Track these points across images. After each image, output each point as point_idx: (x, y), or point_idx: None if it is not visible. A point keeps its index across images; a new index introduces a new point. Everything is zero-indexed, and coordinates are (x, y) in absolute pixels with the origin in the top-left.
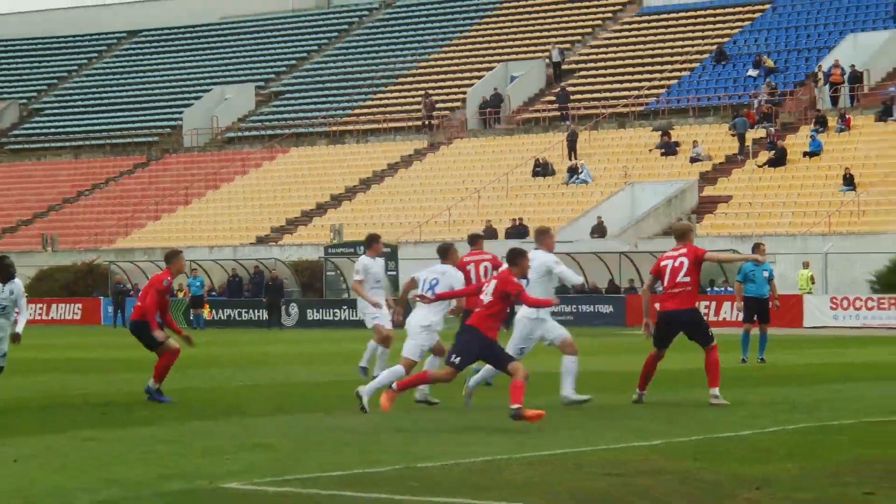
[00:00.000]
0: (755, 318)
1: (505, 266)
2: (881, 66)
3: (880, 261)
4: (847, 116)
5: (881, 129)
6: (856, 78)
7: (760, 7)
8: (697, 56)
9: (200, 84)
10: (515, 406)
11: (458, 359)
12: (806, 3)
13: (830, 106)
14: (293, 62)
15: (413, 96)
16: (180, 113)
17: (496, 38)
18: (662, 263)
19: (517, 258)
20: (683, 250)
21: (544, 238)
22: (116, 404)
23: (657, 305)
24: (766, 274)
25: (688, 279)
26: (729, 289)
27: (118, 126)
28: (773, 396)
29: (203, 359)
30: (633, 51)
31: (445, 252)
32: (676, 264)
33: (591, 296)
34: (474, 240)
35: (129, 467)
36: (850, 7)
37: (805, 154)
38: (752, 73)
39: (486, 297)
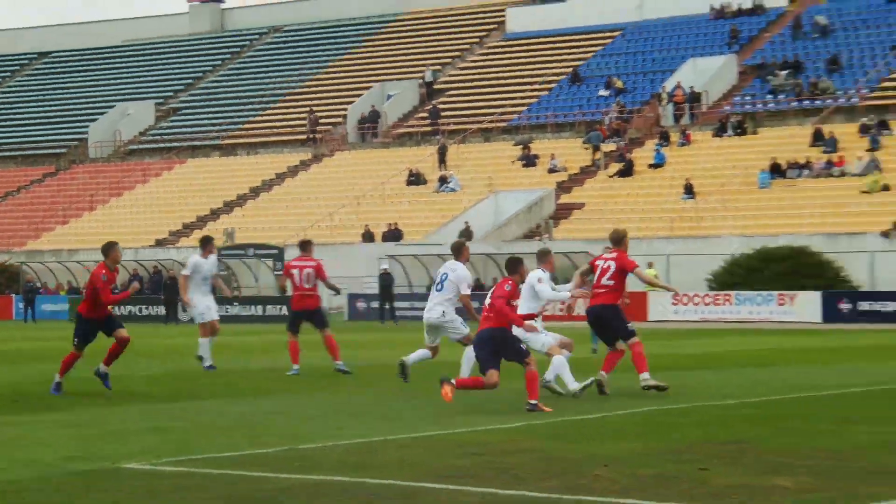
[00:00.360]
0: None
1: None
2: (718, 88)
3: (717, 261)
4: (687, 132)
5: (717, 143)
6: (695, 98)
7: (611, 34)
8: (555, 77)
9: (105, 101)
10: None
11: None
12: (651, 31)
13: (673, 123)
14: (189, 81)
15: (298, 113)
16: (86, 127)
17: (374, 60)
18: (596, 262)
19: (516, 266)
20: (614, 255)
21: (546, 258)
22: (27, 393)
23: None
24: None
25: (612, 282)
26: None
27: (29, 139)
28: (621, 383)
29: (107, 349)
30: (498, 72)
31: (458, 250)
32: (605, 266)
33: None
34: (304, 246)
35: (37, 450)
36: (690, 35)
37: (650, 166)
38: (604, 92)
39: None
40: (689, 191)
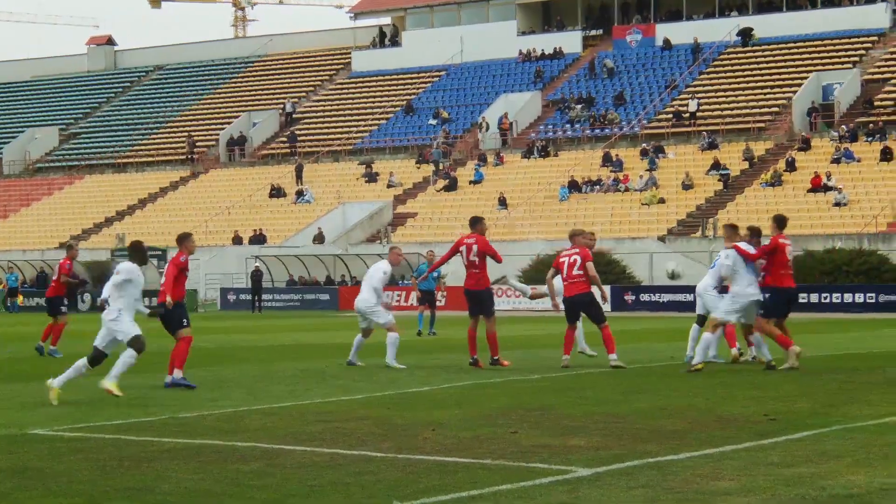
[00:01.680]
0: (425, 303)
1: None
2: (525, 118)
3: (525, 261)
4: (501, 155)
5: (525, 164)
6: (508, 126)
7: (438, 73)
8: (392, 108)
9: (16, 126)
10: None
11: None
12: (471, 71)
13: (489, 147)
14: (88, 110)
15: (179, 137)
16: (1, 149)
17: (241, 93)
18: (560, 260)
19: (477, 223)
20: (577, 250)
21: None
22: None
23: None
24: (434, 274)
25: (581, 272)
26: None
27: None
28: (444, 361)
29: (18, 335)
30: (345, 104)
31: (474, 223)
32: (571, 261)
33: (312, 286)
34: (181, 240)
35: None
36: (503, 75)
37: (471, 182)
38: (432, 121)
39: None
40: (502, 203)
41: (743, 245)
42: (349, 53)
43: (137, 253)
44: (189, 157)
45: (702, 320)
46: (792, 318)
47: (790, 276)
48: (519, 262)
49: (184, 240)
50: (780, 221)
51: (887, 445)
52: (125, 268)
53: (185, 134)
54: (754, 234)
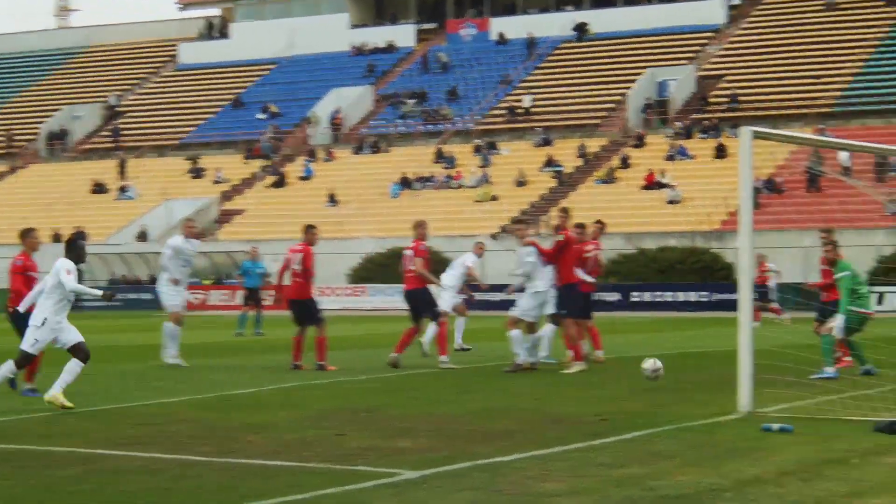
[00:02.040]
0: (251, 302)
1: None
2: (356, 114)
3: (355, 259)
4: (331, 151)
5: (355, 160)
6: (337, 121)
7: (268, 66)
8: (220, 102)
9: None
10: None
11: None
12: (301, 65)
13: (320, 142)
14: None
15: None
16: None
17: (64, 85)
18: (406, 254)
19: (307, 232)
20: (413, 244)
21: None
22: None
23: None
24: (259, 271)
25: (413, 266)
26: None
27: None
28: (269, 362)
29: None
30: (171, 97)
31: (305, 231)
32: (408, 253)
33: (135, 286)
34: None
35: None
36: (334, 69)
37: (300, 178)
38: (261, 116)
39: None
40: (332, 200)
41: (538, 240)
42: (176, 45)
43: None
44: (7, 151)
45: (553, 319)
46: (624, 317)
47: (590, 273)
48: (349, 261)
49: (23, 237)
50: (564, 213)
51: (717, 445)
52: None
53: (5, 128)
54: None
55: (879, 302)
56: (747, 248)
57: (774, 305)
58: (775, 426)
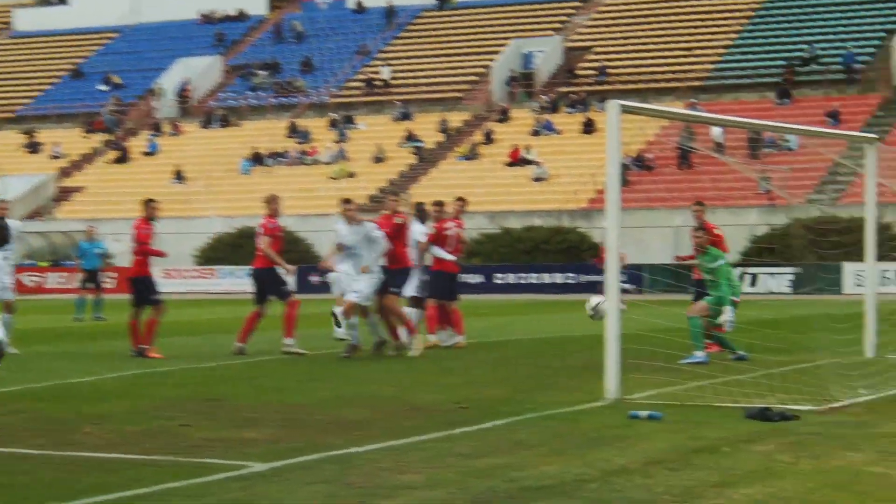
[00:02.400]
0: (89, 284)
1: None
2: (205, 85)
3: (202, 239)
4: (178, 124)
5: (204, 134)
6: (184, 93)
7: (110, 35)
8: (58, 72)
9: None
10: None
11: None
12: (145, 33)
13: (166, 115)
14: None
15: None
16: None
17: None
18: (256, 230)
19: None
20: (263, 221)
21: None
22: None
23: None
24: (98, 251)
25: (261, 244)
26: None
27: None
28: (110, 348)
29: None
30: (5, 67)
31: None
32: (258, 230)
33: None
34: None
35: None
36: (181, 38)
37: (145, 154)
38: (103, 87)
39: None
40: (178, 176)
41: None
42: (9, 11)
43: None
44: None
45: (415, 301)
46: (487, 300)
47: (452, 253)
48: (196, 241)
49: None
50: (396, 196)
51: (582, 434)
52: None
53: None
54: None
55: (752, 284)
56: (615, 228)
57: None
58: (643, 413)
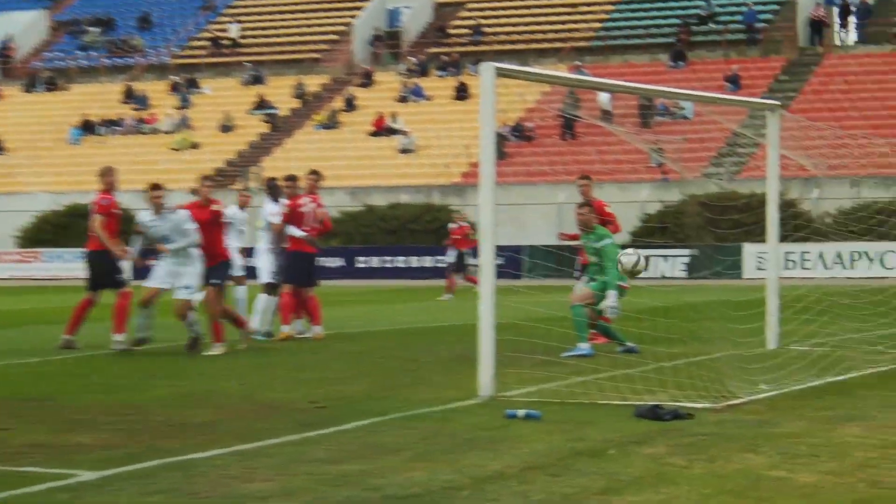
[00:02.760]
0: None
1: None
2: (29, 43)
3: (26, 217)
4: None
5: (28, 99)
6: (5, 52)
7: None
8: None
9: None
10: None
11: None
12: None
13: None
14: None
15: None
16: None
17: None
18: (89, 208)
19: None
20: (96, 197)
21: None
22: None
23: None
24: None
25: (94, 224)
26: None
27: None
28: None
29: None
30: None
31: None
32: (91, 208)
33: None
34: None
35: None
36: None
37: None
38: None
39: None
40: None
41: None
42: None
43: None
44: None
45: (270, 288)
46: (348, 286)
47: (310, 233)
48: (18, 220)
49: None
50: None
51: (453, 436)
52: None
53: None
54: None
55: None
56: (489, 205)
57: (474, 275)
58: (521, 412)
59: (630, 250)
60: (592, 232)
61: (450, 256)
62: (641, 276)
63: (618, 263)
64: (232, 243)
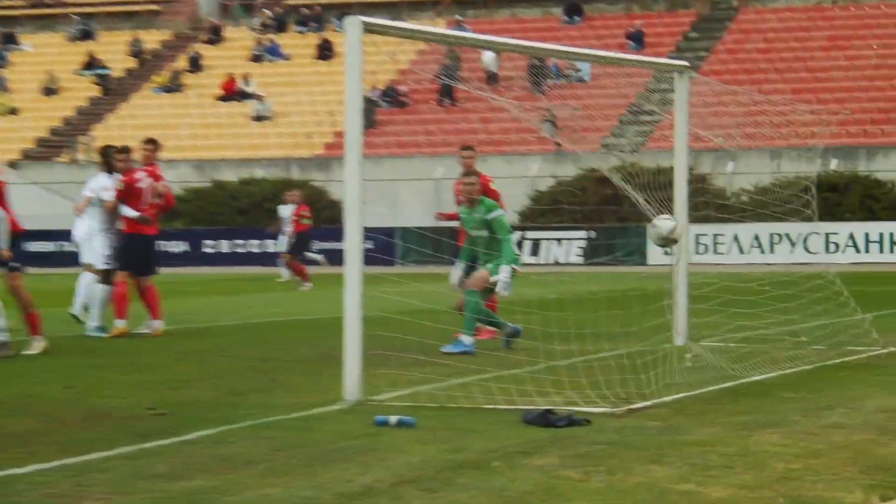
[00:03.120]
0: None
1: None
2: None
3: None
4: None
5: None
6: None
7: None
8: None
9: None
10: None
11: None
12: None
13: None
14: None
15: None
16: None
17: None
18: None
19: None
20: None
21: None
22: None
23: None
24: None
25: None
26: None
27: None
28: None
29: None
30: None
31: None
32: None
33: None
34: None
35: None
36: None
37: None
38: None
39: None
40: None
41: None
42: None
43: None
44: None
45: (103, 275)
46: (193, 274)
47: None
48: None
49: None
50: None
51: (314, 446)
52: None
53: None
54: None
55: (534, 252)
56: (356, 181)
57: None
58: (392, 419)
59: (666, 215)
60: (481, 203)
61: (282, 242)
62: (533, 262)
63: (651, 230)
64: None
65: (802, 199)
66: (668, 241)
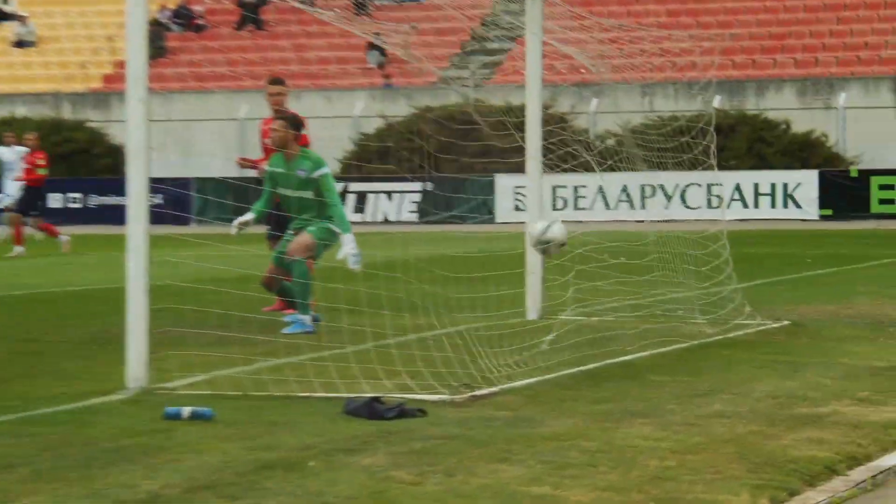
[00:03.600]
0: None
1: None
2: None
3: None
4: None
5: None
6: None
7: None
8: None
9: None
10: None
11: None
12: None
13: None
14: None
15: None
16: None
17: None
18: None
19: None
20: None
21: None
22: None
23: None
24: None
25: None
26: None
27: None
28: None
29: None
30: None
31: None
32: None
33: None
34: None
35: None
36: None
37: None
38: None
39: None
40: None
41: None
42: None
43: None
44: None
45: None
46: None
47: None
48: None
49: None
50: None
51: (89, 445)
52: None
53: None
54: None
55: (360, 208)
56: (141, 121)
57: (44, 220)
58: (185, 411)
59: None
60: (302, 158)
61: (8, 195)
62: (358, 220)
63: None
64: None
65: (680, 143)
66: (546, 244)
